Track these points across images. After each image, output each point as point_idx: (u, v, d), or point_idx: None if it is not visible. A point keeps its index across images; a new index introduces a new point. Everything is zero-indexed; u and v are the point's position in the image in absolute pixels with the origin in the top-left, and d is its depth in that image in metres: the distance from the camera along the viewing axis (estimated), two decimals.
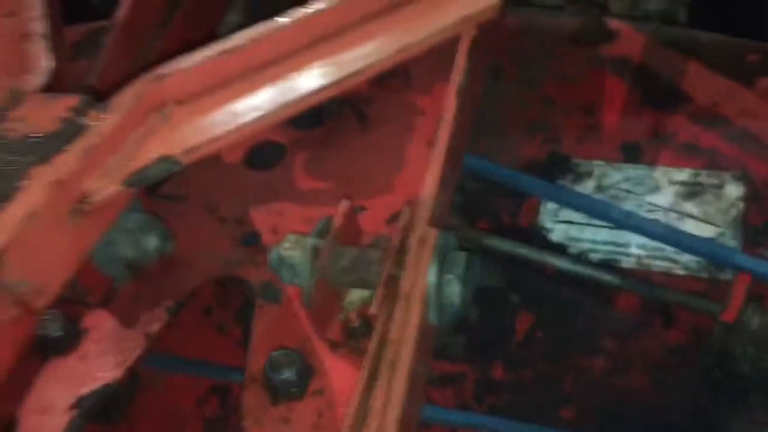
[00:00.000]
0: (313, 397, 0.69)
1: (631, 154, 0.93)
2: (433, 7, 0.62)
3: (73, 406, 0.69)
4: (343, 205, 0.73)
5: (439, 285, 0.66)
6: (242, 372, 0.77)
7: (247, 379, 0.71)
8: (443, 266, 0.66)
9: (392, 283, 0.66)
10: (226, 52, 0.53)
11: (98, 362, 0.71)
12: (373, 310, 0.66)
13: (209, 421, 0.83)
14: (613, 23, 1.06)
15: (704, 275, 0.81)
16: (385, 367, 0.63)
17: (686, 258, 0.82)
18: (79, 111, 0.49)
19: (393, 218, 0.81)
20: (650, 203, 0.88)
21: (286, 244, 0.71)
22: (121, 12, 0.70)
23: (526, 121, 0.99)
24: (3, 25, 0.61)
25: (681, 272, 0.82)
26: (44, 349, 0.70)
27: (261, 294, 0.76)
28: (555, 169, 0.93)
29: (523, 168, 0.93)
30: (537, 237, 0.87)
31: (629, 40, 1.04)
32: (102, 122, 0.49)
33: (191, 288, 0.77)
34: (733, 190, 0.86)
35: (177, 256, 0.77)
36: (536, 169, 0.93)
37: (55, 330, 0.70)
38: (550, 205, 0.90)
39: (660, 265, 0.83)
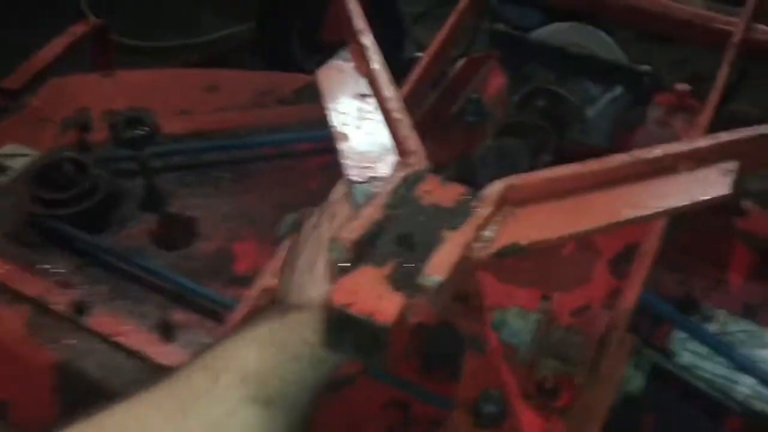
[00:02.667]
0: (506, 430, 0.91)
1: (750, 312, 1.17)
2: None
3: None
4: (557, 295, 0.96)
5: (629, 377, 0.89)
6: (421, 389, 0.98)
7: (457, 403, 0.93)
8: (634, 364, 0.89)
9: (592, 366, 0.90)
10: (558, 178, 0.78)
11: None
12: (578, 380, 0.89)
13: (390, 427, 1.04)
14: (745, 203, 1.31)
15: None
16: (581, 426, 0.86)
17: None
18: (468, 196, 0.73)
19: (575, 312, 1.05)
20: (760, 356, 1.11)
21: (514, 312, 0.94)
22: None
23: (666, 263, 1.23)
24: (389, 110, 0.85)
25: None
26: None
27: (470, 343, 0.99)
28: (686, 308, 1.17)
29: None
30: (666, 357, 1.10)
31: (758, 219, 1.29)
32: (481, 208, 0.73)
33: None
34: None
35: None
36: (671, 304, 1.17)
37: None
38: (681, 334, 1.13)
39: (761, 405, 1.06)
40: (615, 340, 0.90)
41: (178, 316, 1.14)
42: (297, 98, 1.50)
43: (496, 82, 1.33)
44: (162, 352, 1.10)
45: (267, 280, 0.95)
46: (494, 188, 0.74)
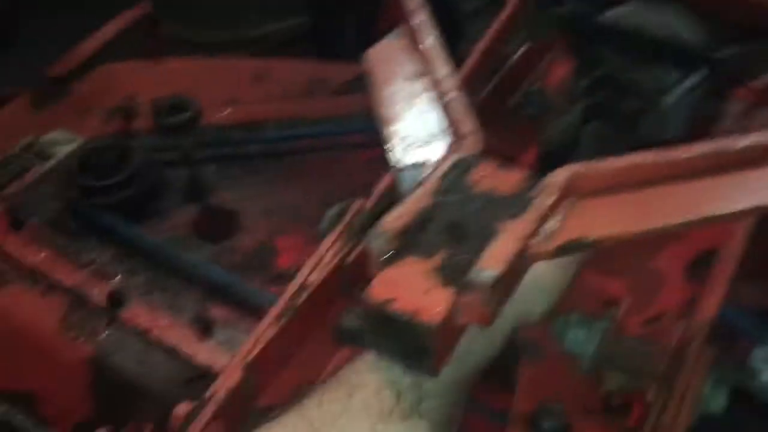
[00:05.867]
0: None
1: None
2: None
3: None
4: (626, 302, 0.87)
5: (709, 395, 0.79)
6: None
7: (513, 417, 0.85)
8: (715, 380, 0.79)
9: (666, 381, 0.80)
10: (630, 167, 0.68)
11: None
12: (650, 398, 0.79)
13: None
14: None
15: None
16: None
17: None
18: (528, 184, 0.65)
19: (646, 322, 0.95)
20: None
21: (576, 320, 0.85)
22: None
23: (746, 272, 1.11)
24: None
25: None
26: None
27: (528, 350, 0.90)
28: None
29: None
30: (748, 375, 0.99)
31: None
32: (543, 198, 0.64)
33: None
34: None
35: None
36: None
37: None
38: (764, 351, 1.02)
39: None
40: (693, 353, 0.79)
41: (217, 311, 1.08)
42: (349, 89, 1.43)
43: (559, 71, 1.23)
44: (198, 349, 1.05)
45: (304, 276, 0.88)
46: (558, 176, 0.66)
